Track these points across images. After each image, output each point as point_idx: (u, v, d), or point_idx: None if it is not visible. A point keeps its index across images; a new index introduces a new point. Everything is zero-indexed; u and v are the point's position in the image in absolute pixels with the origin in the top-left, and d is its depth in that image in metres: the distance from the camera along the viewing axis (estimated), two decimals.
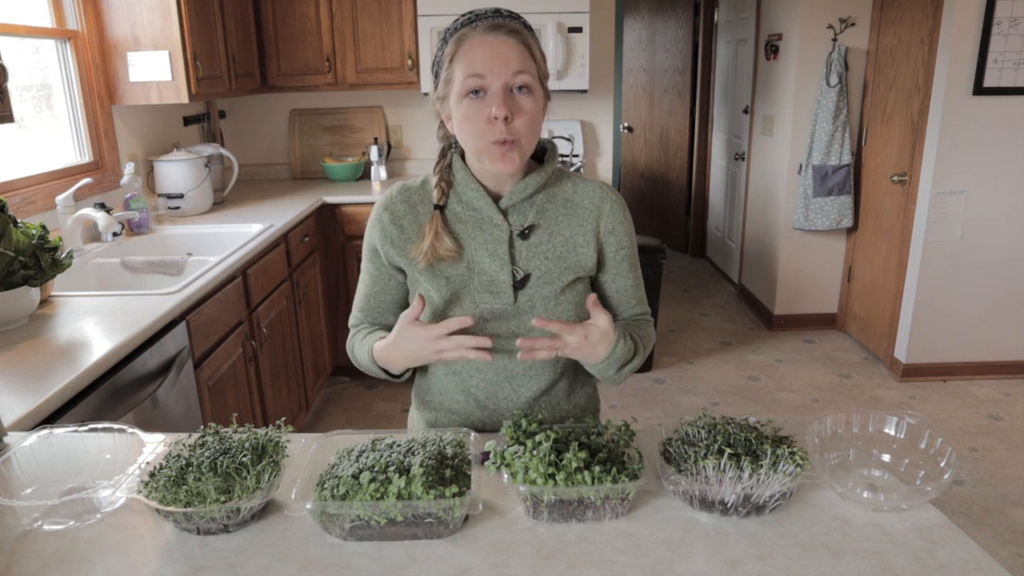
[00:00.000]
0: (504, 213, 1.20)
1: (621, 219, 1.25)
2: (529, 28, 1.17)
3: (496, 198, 1.21)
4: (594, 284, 1.29)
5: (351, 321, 1.35)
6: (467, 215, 1.21)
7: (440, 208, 1.21)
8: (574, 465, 0.92)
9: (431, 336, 1.11)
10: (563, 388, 1.28)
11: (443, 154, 1.24)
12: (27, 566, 0.87)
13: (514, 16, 1.16)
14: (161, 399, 1.76)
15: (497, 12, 1.15)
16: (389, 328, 1.32)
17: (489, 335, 1.17)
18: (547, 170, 1.22)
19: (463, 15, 1.16)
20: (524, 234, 1.21)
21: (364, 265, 1.30)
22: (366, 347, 1.25)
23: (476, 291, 1.19)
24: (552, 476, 0.92)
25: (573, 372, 1.29)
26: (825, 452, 1.05)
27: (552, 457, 0.94)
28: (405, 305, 1.31)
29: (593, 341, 1.12)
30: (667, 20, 5.73)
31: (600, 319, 1.12)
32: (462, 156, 1.22)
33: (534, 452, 0.94)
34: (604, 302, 1.30)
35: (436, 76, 1.18)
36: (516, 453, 0.95)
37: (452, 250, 1.18)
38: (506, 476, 0.93)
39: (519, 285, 1.19)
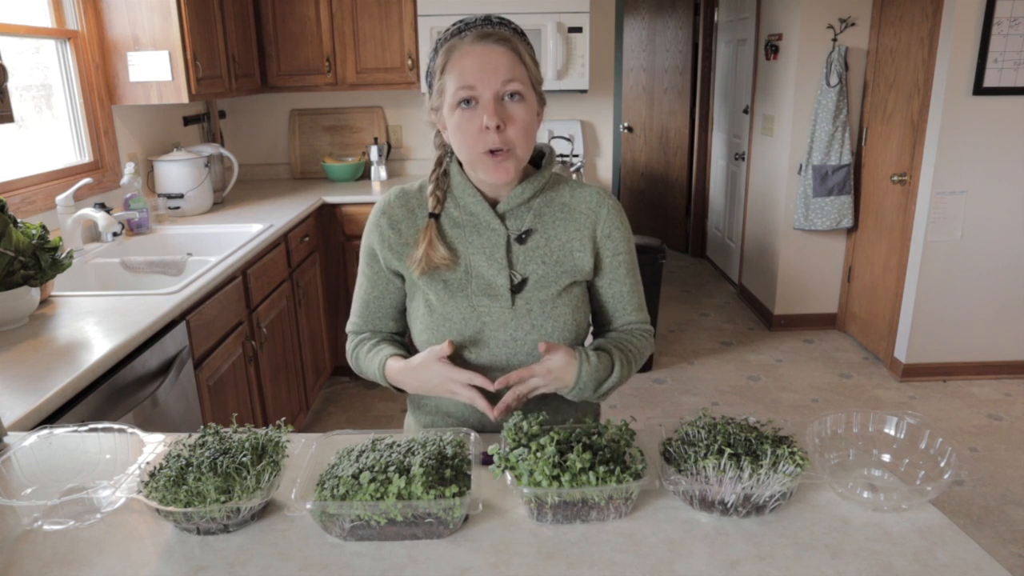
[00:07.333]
0: (501, 218, 1.21)
1: (618, 224, 1.25)
2: (520, 33, 1.17)
3: (493, 203, 1.21)
4: (591, 289, 1.29)
5: (350, 327, 1.34)
6: (464, 220, 1.22)
7: (435, 217, 1.21)
8: (578, 466, 0.92)
9: (451, 377, 1.15)
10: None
11: (439, 162, 1.24)
12: (27, 566, 0.87)
13: (504, 23, 1.15)
14: (161, 399, 1.77)
15: (487, 20, 1.15)
16: (389, 333, 1.33)
17: (486, 339, 1.19)
18: (544, 175, 1.23)
19: (453, 24, 1.15)
20: (521, 239, 1.21)
21: (361, 269, 1.30)
22: (376, 362, 1.25)
23: (474, 294, 1.19)
24: (557, 478, 0.92)
25: None
26: (825, 452, 1.05)
27: (556, 459, 0.94)
28: (403, 310, 1.31)
29: (557, 373, 1.14)
30: (667, 20, 5.73)
31: (555, 356, 1.14)
32: (459, 161, 1.22)
33: (538, 455, 0.94)
34: (600, 307, 1.30)
35: (430, 87, 1.18)
36: (521, 456, 0.95)
37: (446, 258, 1.19)
38: (510, 479, 0.93)
39: (516, 289, 1.20)
